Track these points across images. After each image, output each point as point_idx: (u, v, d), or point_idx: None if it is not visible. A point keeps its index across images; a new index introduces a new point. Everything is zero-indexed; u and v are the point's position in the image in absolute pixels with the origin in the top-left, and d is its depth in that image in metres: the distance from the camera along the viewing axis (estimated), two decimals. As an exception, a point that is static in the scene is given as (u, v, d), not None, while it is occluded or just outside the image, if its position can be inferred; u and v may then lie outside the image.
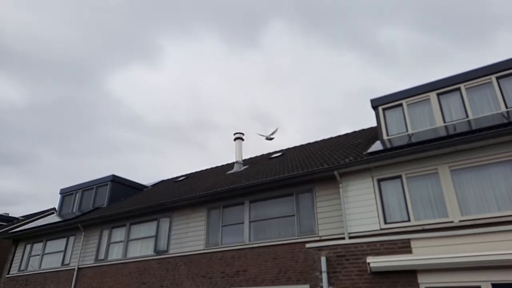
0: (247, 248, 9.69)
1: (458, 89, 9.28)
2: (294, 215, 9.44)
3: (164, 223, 11.79)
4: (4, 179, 56.47)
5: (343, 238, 8.06)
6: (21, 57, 48.33)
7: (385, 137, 9.82)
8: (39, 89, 53.32)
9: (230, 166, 15.28)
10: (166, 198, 12.17)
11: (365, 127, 13.50)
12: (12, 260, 15.62)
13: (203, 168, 17.87)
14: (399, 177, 8.22)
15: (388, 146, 8.56)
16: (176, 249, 11.03)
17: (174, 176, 18.80)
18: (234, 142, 15.04)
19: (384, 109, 10.20)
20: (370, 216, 8.15)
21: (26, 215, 21.34)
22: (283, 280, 8.73)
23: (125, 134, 60.33)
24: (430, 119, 9.39)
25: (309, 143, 14.65)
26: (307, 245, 7.14)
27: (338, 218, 8.63)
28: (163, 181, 18.77)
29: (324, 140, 14.26)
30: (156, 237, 11.67)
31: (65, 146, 59.39)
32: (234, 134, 15.15)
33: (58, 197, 17.45)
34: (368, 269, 6.21)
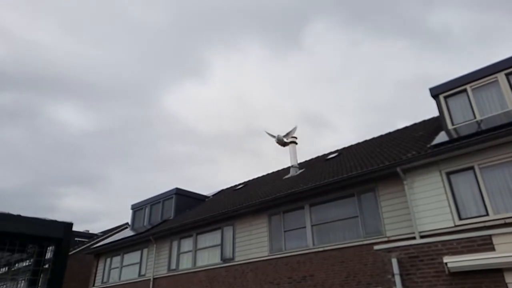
0: (312, 252, 9.59)
1: (531, 65, 8.38)
2: (357, 216, 9.16)
3: (228, 231, 12.12)
4: (82, 199, 62.20)
5: (414, 238, 7.63)
6: (88, 86, 53.26)
7: (450, 126, 9.16)
8: (105, 114, 58.19)
9: (286, 170, 15.28)
10: (227, 207, 12.51)
11: (425, 118, 12.70)
12: (95, 273, 17.09)
13: (260, 175, 18.08)
14: (471, 168, 7.61)
15: (455, 136, 7.98)
16: (241, 257, 11.27)
17: (233, 184, 19.28)
18: (287, 146, 15.03)
19: (446, 97, 9.53)
20: (441, 213, 7.64)
21: (104, 231, 23.25)
22: (352, 284, 8.49)
23: (183, 147, 63.28)
24: (500, 102, 8.58)
25: (366, 141, 14.15)
26: (375, 247, 6.89)
27: (406, 217, 8.20)
28: (222, 190, 19.33)
29: (381, 136, 13.67)
30: (221, 245, 12.03)
31: (131, 164, 63.86)
32: (287, 138, 15.13)
33: (129, 212, 18.81)
34: (446, 269, 5.81)
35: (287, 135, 13.32)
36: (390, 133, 13.46)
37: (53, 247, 1.79)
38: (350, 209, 9.39)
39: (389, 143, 11.28)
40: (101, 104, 56.12)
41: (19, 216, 1.75)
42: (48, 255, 1.81)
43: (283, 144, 13.33)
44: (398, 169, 8.30)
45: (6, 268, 1.96)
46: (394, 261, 6.34)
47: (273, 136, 13.37)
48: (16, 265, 1.94)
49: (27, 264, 1.91)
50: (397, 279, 6.21)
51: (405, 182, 8.29)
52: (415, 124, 12.79)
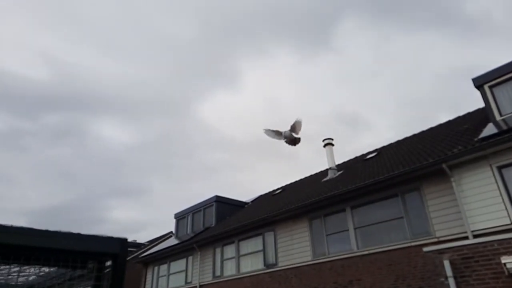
0: (357, 256, 9.35)
1: None
2: (402, 217, 8.82)
3: (269, 236, 12.13)
4: (128, 210, 65.00)
5: (466, 238, 7.21)
6: (127, 102, 55.92)
7: (498, 117, 8.61)
8: (145, 128, 60.62)
9: (324, 173, 15.05)
10: (267, 212, 12.53)
11: (470, 110, 12.01)
12: (145, 282, 17.76)
13: (297, 179, 17.96)
14: (526, 160, 7.08)
15: (504, 127, 7.49)
16: (284, 262, 11.22)
17: (271, 189, 19.28)
18: (324, 148, 14.82)
19: (491, 87, 8.98)
20: (495, 210, 7.16)
21: (150, 240, 24.12)
22: (402, 287, 8.16)
23: (220, 155, 64.33)
24: (555, 87, 7.94)
25: (406, 138, 13.62)
26: (425, 249, 6.60)
27: (455, 216, 7.79)
28: (261, 196, 19.39)
29: (423, 131, 13.09)
30: (263, 251, 12.07)
31: (171, 174, 65.88)
32: (323, 140, 14.92)
33: (172, 220, 19.39)
34: (505, 270, 5.44)
35: (293, 129, 10.74)
36: (432, 128, 12.86)
37: (110, 262, 1.91)
38: (394, 210, 9.07)
39: (432, 138, 10.79)
40: (141, 119, 58.59)
41: (79, 234, 1.89)
42: (106, 270, 1.93)
43: (294, 141, 10.88)
44: (443, 165, 7.92)
45: (69, 283, 2.11)
46: (447, 263, 6.03)
47: (278, 134, 10.72)
48: (78, 280, 2.09)
49: (85, 275, 2.04)
50: (451, 282, 5.90)
51: (452, 179, 7.88)
52: (459, 117, 12.13)
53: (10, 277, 2.01)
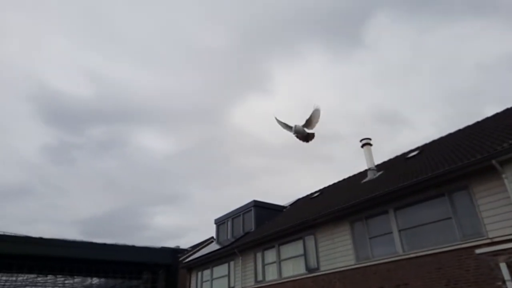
0: (403, 259, 9.01)
1: None
2: (450, 218, 8.39)
3: (309, 240, 12.01)
4: (170, 217, 67.02)
5: (524, 238, 6.72)
6: (165, 113, 57.91)
7: (553, 107, 7.97)
8: (182, 137, 62.34)
9: (363, 174, 14.67)
10: (306, 216, 12.42)
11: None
12: (189, 286, 18.20)
13: (335, 181, 17.63)
14: None
15: (562, 117, 6.92)
16: (327, 266, 11.05)
17: (309, 193, 19.07)
18: (361, 149, 14.46)
19: (543, 74, 8.34)
20: (556, 207, 6.62)
21: (192, 246, 24.67)
22: (454, 292, 7.75)
23: (256, 160, 64.64)
24: None
25: (450, 134, 12.95)
26: (477, 251, 6.27)
27: (509, 215, 7.28)
28: (299, 199, 19.24)
29: (468, 127, 12.38)
30: (305, 255, 11.95)
31: (209, 180, 67.12)
32: (361, 140, 14.56)
33: (211, 226, 19.75)
34: None
35: (308, 123, 9.44)
36: (478, 122, 12.13)
37: (163, 272, 2.01)
38: (441, 210, 8.65)
39: (479, 133, 10.19)
40: (179, 128, 60.35)
41: (134, 246, 2.01)
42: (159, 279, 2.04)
43: (306, 137, 9.79)
44: (493, 161, 7.46)
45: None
46: (503, 266, 5.67)
47: (289, 127, 9.55)
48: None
49: (140, 285, 2.16)
50: (510, 286, 5.53)
51: (503, 176, 7.39)
52: (507, 110, 11.36)
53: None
